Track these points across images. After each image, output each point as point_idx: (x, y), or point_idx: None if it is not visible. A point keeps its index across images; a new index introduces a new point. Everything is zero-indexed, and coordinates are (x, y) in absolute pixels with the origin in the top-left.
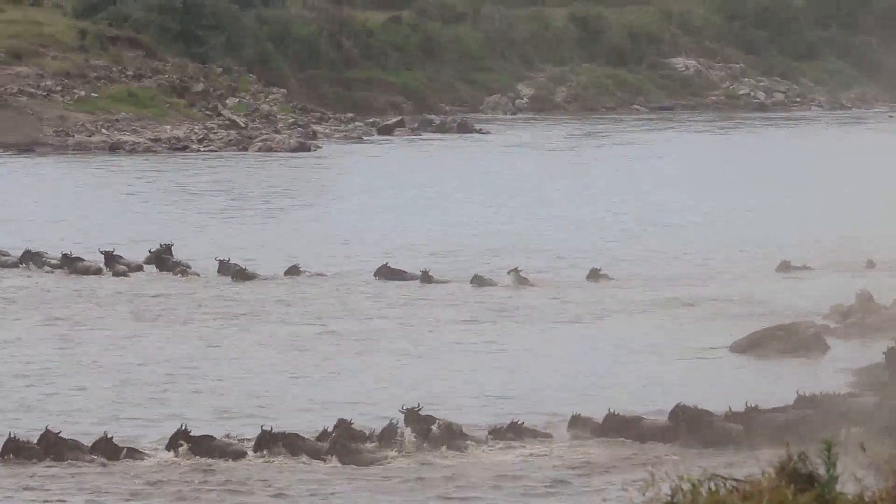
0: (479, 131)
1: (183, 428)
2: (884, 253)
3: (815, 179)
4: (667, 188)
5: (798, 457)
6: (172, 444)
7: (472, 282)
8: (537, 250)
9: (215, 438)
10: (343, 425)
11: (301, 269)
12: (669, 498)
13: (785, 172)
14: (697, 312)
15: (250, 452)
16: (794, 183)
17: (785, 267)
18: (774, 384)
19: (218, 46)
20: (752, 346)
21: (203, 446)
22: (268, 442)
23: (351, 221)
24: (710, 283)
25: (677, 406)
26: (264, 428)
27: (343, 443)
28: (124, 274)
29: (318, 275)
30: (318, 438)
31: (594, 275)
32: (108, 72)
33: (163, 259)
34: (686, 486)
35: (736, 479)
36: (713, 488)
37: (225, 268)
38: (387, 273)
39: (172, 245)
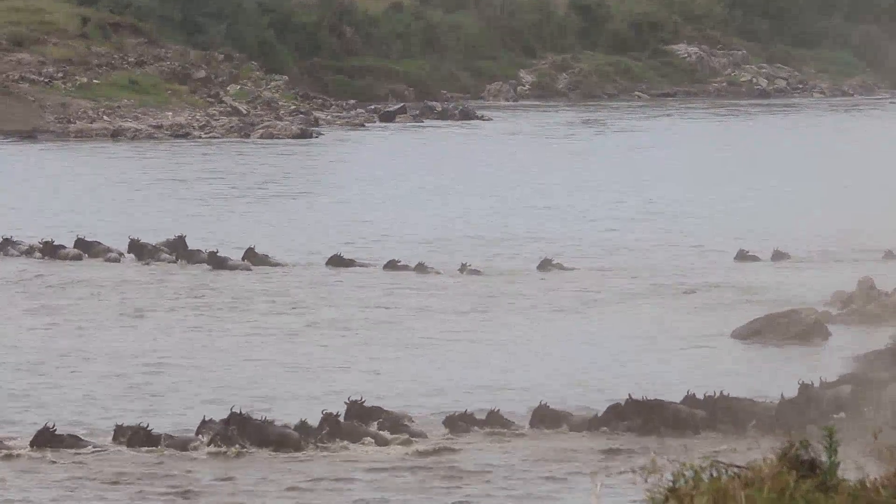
0: (481, 118)
1: (49, 426)
2: (883, 244)
3: (817, 170)
4: (666, 179)
5: (800, 443)
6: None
7: (415, 269)
8: (532, 241)
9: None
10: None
11: (266, 255)
12: (672, 484)
13: (786, 163)
14: (698, 301)
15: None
16: (795, 174)
17: (742, 256)
18: (776, 372)
19: (219, 34)
20: (753, 333)
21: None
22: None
23: (350, 211)
24: (708, 273)
25: (629, 396)
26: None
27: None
28: (106, 261)
29: (280, 264)
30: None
31: (545, 265)
32: (110, 59)
33: (141, 246)
34: (688, 473)
35: (738, 466)
36: (715, 475)
37: (190, 255)
38: (338, 262)
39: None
